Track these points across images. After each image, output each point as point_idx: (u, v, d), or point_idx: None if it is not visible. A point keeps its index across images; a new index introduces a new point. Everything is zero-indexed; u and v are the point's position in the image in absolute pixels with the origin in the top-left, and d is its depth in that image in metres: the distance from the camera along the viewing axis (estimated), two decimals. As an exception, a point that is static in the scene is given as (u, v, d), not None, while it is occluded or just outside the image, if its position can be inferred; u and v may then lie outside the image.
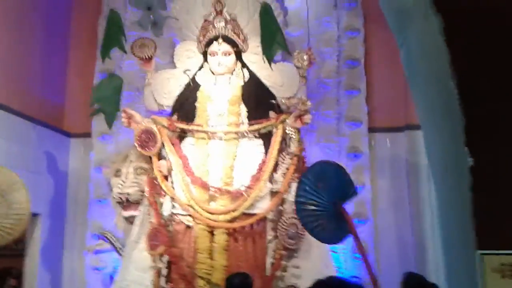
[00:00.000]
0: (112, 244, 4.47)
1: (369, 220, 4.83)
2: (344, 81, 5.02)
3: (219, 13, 4.39)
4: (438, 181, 1.65)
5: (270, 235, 4.01)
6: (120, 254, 4.33)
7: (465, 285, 1.22)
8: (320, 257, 4.03)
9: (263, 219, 3.99)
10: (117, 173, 4.24)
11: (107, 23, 1.84)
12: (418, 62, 1.58)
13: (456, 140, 1.50)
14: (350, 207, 4.79)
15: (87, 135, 5.22)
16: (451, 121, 1.49)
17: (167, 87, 4.50)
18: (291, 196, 3.99)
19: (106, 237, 4.52)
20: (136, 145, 4.07)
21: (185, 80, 4.48)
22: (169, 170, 4.06)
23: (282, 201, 4.00)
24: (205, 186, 3.92)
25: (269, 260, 3.94)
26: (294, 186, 4.00)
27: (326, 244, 4.17)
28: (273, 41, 1.88)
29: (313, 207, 3.18)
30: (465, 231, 1.47)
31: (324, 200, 3.17)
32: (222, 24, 4.36)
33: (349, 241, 4.76)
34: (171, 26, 4.87)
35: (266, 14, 1.87)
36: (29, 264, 4.69)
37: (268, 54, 1.90)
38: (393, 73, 5.07)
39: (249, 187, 3.92)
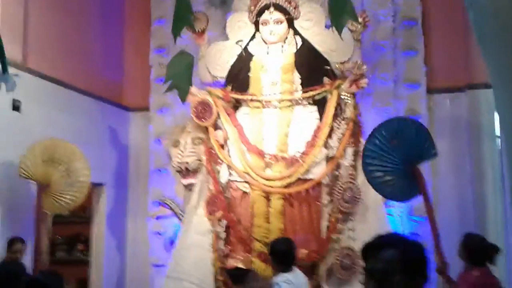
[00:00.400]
0: (173, 210, 4.66)
1: (427, 182, 4.73)
2: (401, 42, 4.87)
3: (270, -19, 4.35)
4: (510, 142, 1.57)
5: (325, 199, 4.04)
6: (180, 219, 4.52)
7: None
8: (376, 220, 4.03)
9: (318, 184, 4.02)
10: (176, 144, 4.40)
11: (176, 3, 1.90)
12: (489, 23, 1.49)
13: None
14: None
15: (146, 109, 5.43)
16: None
17: (220, 59, 4.55)
18: (346, 161, 3.99)
19: (167, 203, 4.72)
20: (193, 116, 4.18)
21: (238, 51, 4.51)
22: (225, 140, 4.16)
23: (338, 166, 4.00)
24: (260, 154, 4.00)
25: (324, 224, 3.99)
26: (349, 151, 4.00)
27: (383, 207, 4.17)
28: (343, 11, 1.84)
29: (381, 162, 3.22)
30: None
31: (396, 158, 3.20)
32: (273, -8, 4.33)
33: (406, 203, 4.74)
34: (221, -2, 4.90)
35: None
36: (95, 231, 5.03)
37: (338, 25, 1.87)
38: (452, 32, 4.87)
39: (304, 153, 3.95)
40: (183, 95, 2.03)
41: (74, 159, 3.79)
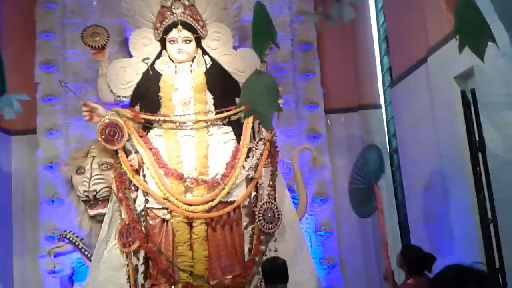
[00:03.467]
0: (75, 245, 4.20)
1: (330, 198, 5.00)
2: (299, 65, 5.11)
3: (177, -2, 4.25)
4: None
5: (245, 221, 4.01)
6: (85, 255, 4.09)
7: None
8: (294, 238, 4.12)
9: (238, 206, 3.97)
10: (79, 170, 3.99)
11: (254, 16, 1.64)
12: None
13: None
14: (312, 187, 4.97)
15: (31, 131, 4.85)
16: None
17: (123, 77, 4.29)
18: (265, 182, 4.02)
19: (67, 238, 4.24)
20: (101, 139, 3.84)
21: (142, 69, 4.30)
22: (140, 164, 3.88)
23: (257, 187, 4.01)
24: (180, 177, 3.81)
25: (246, 246, 3.95)
26: (267, 171, 4.05)
27: (299, 225, 4.30)
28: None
29: (359, 186, 3.43)
30: None
31: (366, 179, 3.53)
32: (181, 10, 4.24)
33: (312, 219, 4.95)
34: (120, 12, 4.65)
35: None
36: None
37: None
38: (344, 55, 5.25)
39: (225, 175, 3.88)
40: (267, 122, 1.73)
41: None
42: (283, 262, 3.26)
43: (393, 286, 3.16)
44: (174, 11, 4.24)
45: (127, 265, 3.78)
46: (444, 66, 3.43)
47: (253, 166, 3.97)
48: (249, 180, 3.98)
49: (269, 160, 4.03)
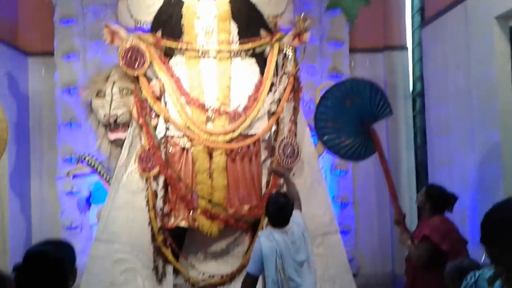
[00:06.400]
0: (94, 167, 4.21)
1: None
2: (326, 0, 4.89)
3: None
4: None
5: (264, 154, 4.00)
6: (104, 178, 4.12)
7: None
8: (312, 174, 4.12)
9: (257, 139, 3.94)
10: (99, 94, 3.93)
11: None
12: None
13: None
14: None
15: (48, 53, 4.74)
16: None
17: (145, 1, 4.13)
18: (287, 117, 3.97)
19: (86, 160, 4.25)
20: (122, 63, 3.75)
21: (165, -7, 4.13)
22: (161, 91, 3.82)
23: (278, 122, 3.96)
24: (202, 107, 3.76)
25: (264, 179, 3.96)
26: (290, 106, 3.98)
27: (318, 162, 4.27)
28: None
29: (334, 124, 3.23)
30: None
31: (351, 118, 3.20)
32: None
33: (328, 158, 4.91)
34: None
35: None
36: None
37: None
38: (373, -7, 5.01)
39: (247, 108, 3.82)
40: (352, 16, 1.56)
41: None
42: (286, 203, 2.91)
43: (404, 229, 3.14)
44: None
45: (146, 189, 3.81)
46: (485, 5, 3.26)
47: (275, 100, 3.90)
48: (270, 114, 3.93)
49: (292, 95, 3.95)
